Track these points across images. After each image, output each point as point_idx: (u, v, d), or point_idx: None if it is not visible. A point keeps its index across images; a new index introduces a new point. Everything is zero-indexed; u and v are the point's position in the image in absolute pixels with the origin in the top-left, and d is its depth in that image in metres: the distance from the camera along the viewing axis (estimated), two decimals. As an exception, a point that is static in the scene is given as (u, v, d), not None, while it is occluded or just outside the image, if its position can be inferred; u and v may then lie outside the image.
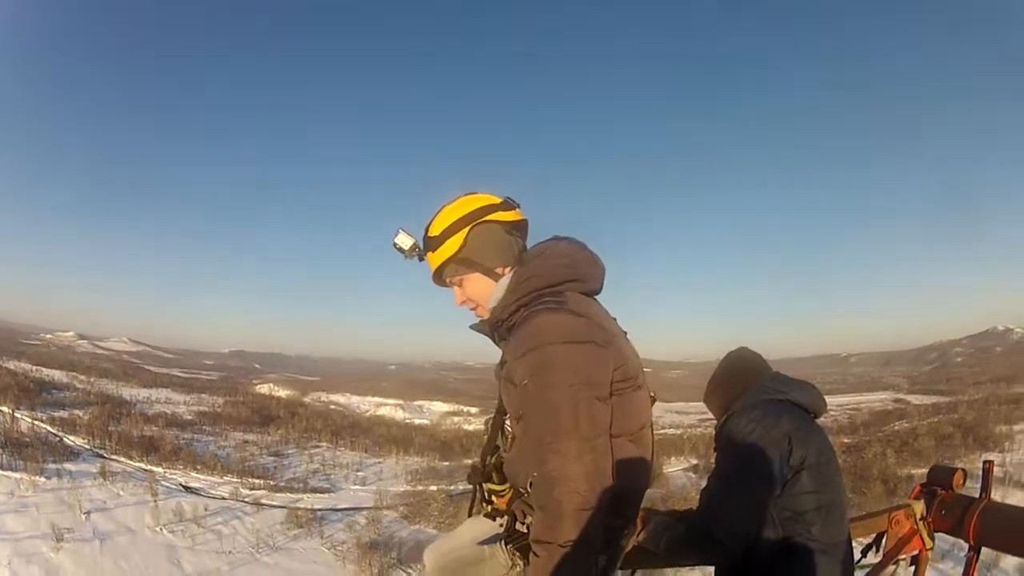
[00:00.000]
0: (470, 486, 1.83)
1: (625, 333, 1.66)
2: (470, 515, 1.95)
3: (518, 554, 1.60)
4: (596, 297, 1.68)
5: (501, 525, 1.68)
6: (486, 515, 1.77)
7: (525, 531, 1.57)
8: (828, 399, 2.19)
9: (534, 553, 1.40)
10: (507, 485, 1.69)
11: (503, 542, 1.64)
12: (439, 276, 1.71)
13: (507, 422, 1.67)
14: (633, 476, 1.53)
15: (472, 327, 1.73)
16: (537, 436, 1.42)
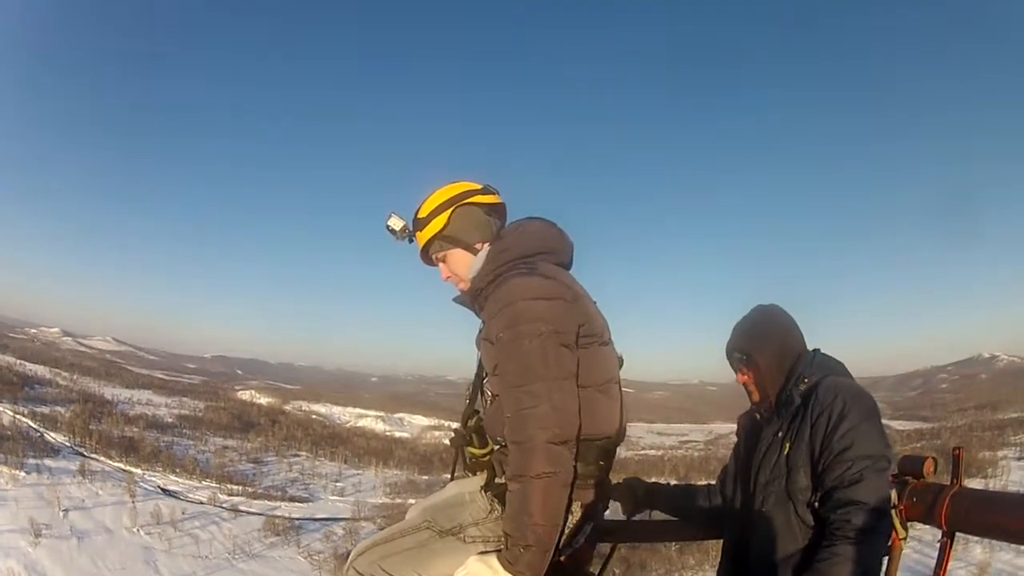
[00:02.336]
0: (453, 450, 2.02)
1: (594, 302, 1.83)
2: (452, 479, 2.08)
3: (496, 500, 1.73)
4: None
5: (481, 483, 1.82)
6: (467, 468, 1.94)
7: (503, 482, 1.66)
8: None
9: (509, 490, 1.54)
10: (488, 448, 1.86)
11: (482, 489, 1.78)
12: (426, 254, 1.93)
13: (485, 384, 1.82)
14: (603, 424, 1.70)
15: (455, 299, 1.92)
16: (511, 381, 1.58)
